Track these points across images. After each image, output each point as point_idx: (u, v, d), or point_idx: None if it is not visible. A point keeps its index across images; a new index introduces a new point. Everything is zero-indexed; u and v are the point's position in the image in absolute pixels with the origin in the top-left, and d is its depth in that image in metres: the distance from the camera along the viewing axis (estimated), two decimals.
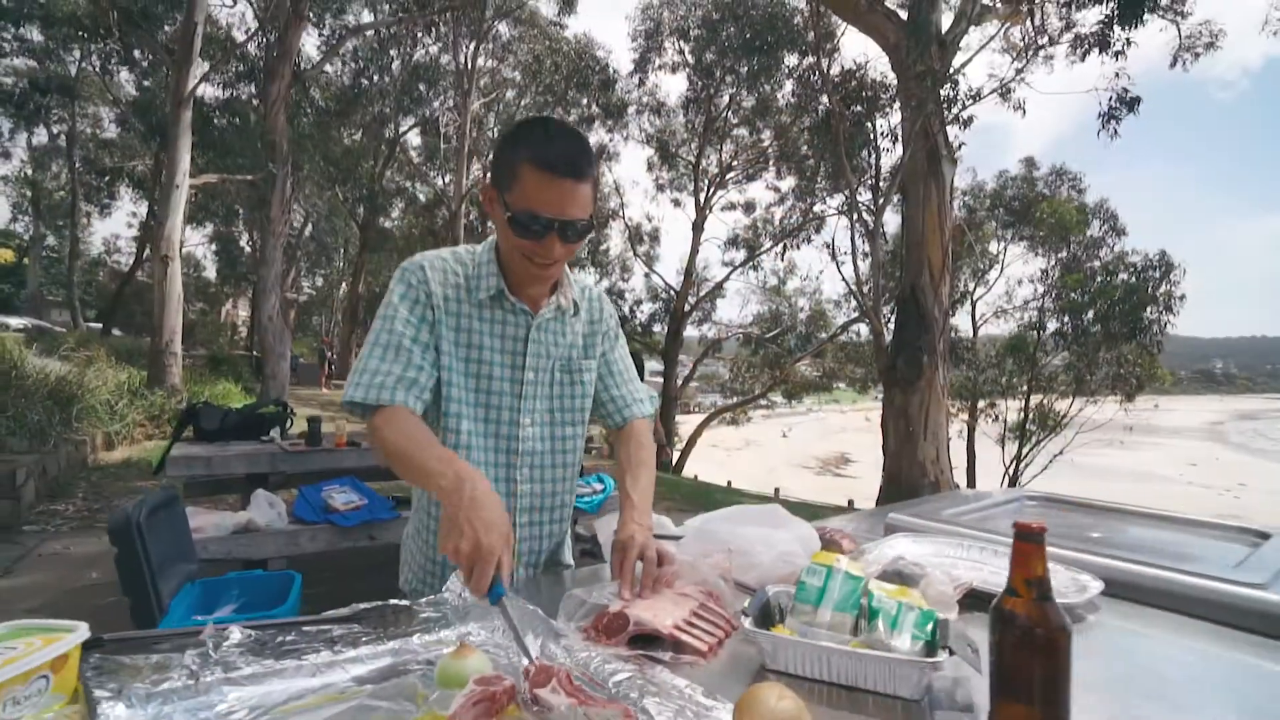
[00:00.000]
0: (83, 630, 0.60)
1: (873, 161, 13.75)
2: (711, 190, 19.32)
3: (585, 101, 17.48)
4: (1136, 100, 8.07)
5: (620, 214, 19.39)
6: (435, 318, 1.03)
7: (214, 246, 25.53)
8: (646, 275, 19.85)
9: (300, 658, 0.71)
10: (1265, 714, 0.68)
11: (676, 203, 19.61)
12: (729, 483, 19.43)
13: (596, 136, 18.45)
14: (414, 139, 20.16)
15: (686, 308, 19.15)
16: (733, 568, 0.89)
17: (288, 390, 8.61)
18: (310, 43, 14.33)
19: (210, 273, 29.81)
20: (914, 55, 9.50)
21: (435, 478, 0.82)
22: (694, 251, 18.89)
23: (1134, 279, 13.98)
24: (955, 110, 10.61)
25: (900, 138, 11.89)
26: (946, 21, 10.20)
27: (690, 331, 20.67)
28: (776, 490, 19.16)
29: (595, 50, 16.86)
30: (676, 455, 19.54)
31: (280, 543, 2.78)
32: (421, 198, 20.47)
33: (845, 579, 0.77)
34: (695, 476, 19.18)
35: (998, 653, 0.55)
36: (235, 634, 0.71)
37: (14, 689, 0.53)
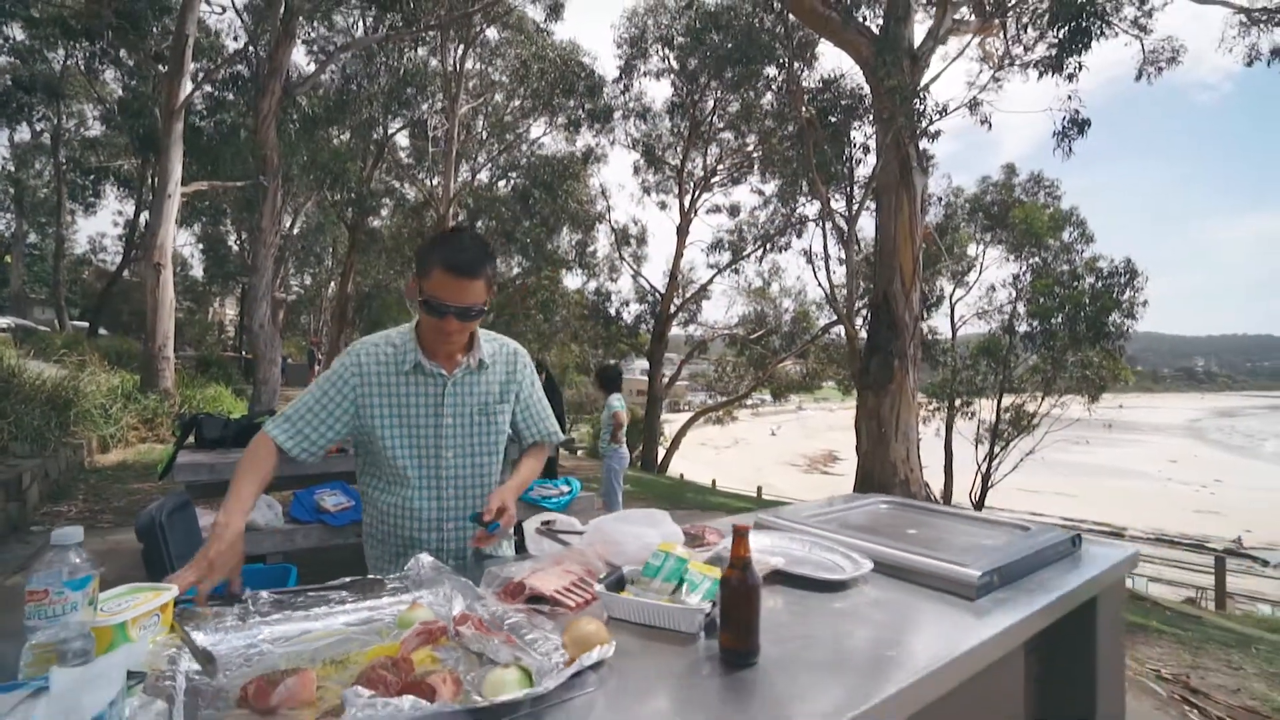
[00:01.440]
0: (174, 589, 0.97)
1: (848, 170, 14.19)
2: (697, 193, 19.70)
3: (572, 105, 17.79)
4: (1087, 122, 8.52)
5: (607, 217, 19.74)
6: (361, 392, 1.43)
7: (201, 246, 25.64)
8: (634, 277, 20.22)
9: (308, 610, 1.09)
10: (943, 637, 1.06)
11: (663, 206, 19.98)
12: (714, 481, 19.82)
13: (583, 140, 18.81)
14: (403, 140, 20.42)
15: (672, 309, 19.53)
16: (609, 553, 1.27)
17: (279, 393, 8.91)
18: (299, 51, 14.63)
19: (197, 271, 29.83)
20: (885, 70, 9.89)
21: (221, 507, 1.24)
22: (679, 254, 19.28)
23: (1100, 285, 14.55)
24: (925, 124, 10.99)
25: (873, 148, 12.33)
26: (919, 37, 10.60)
27: (677, 332, 21.07)
28: (759, 489, 19.59)
29: (581, 56, 17.17)
30: (661, 454, 19.92)
31: (277, 540, 3.14)
32: (410, 198, 20.72)
33: (676, 560, 1.16)
34: (681, 475, 19.57)
35: (722, 601, 0.94)
36: (265, 595, 1.09)
37: (143, 621, 0.90)
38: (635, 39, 17.68)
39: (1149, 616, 4.76)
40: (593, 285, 20.12)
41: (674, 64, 17.67)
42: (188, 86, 8.75)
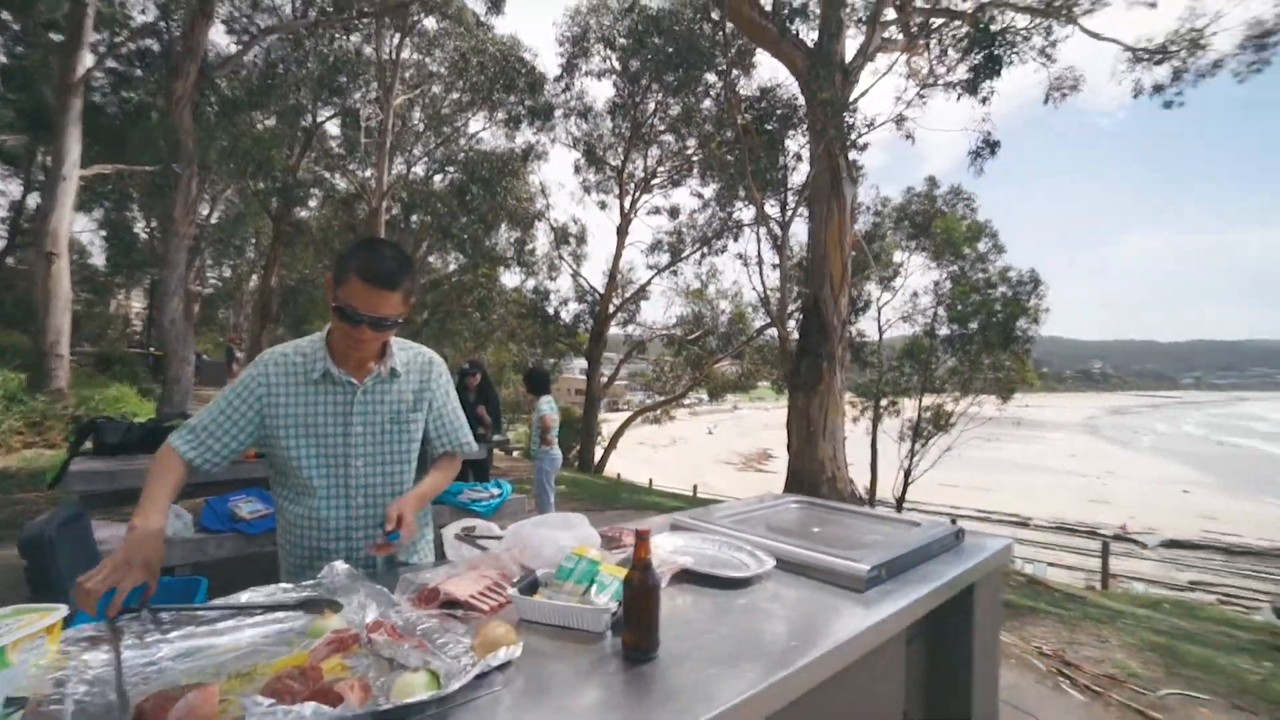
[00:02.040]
0: (62, 610, 0.95)
1: (783, 177, 14.68)
2: (637, 194, 19.83)
3: (513, 100, 17.54)
4: (997, 143, 9.17)
5: (546, 215, 19.58)
6: (267, 402, 1.42)
7: (104, 234, 23.68)
8: (573, 276, 20.15)
9: (213, 624, 1.08)
10: (831, 627, 1.16)
11: (603, 205, 20.00)
12: (650, 481, 20.03)
13: (524, 136, 18.59)
14: (334, 129, 19.57)
15: (611, 309, 19.60)
16: (525, 557, 1.32)
17: (192, 394, 8.37)
18: (219, 30, 13.75)
19: (99, 260, 27.51)
20: (818, 83, 10.28)
21: (135, 510, 1.22)
22: (618, 254, 19.36)
23: (1010, 293, 15.67)
24: (854, 136, 11.46)
25: (806, 158, 12.81)
26: (850, 53, 11.06)
27: (615, 331, 21.15)
28: (695, 488, 19.95)
29: (522, 51, 16.97)
30: (599, 454, 19.96)
31: (187, 550, 2.99)
32: (341, 190, 19.89)
33: (588, 563, 1.21)
34: (618, 475, 19.66)
35: (625, 600, 1.01)
36: (164, 614, 1.07)
37: (24, 644, 0.87)
38: (577, 38, 17.64)
39: (1039, 599, 5.19)
40: (531, 284, 19.94)
41: (616, 65, 17.75)
42: (87, 60, 8.10)
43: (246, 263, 28.70)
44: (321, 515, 1.45)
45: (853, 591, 1.34)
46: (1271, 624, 6.76)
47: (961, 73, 11.29)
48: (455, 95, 18.18)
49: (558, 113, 18.35)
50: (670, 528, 1.75)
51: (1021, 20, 10.55)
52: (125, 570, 1.09)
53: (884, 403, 18.03)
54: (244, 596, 1.19)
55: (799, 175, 14.81)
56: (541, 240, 19.85)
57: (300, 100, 16.07)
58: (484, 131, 18.82)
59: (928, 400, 17.20)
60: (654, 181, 19.83)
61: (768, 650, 1.07)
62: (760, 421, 59.28)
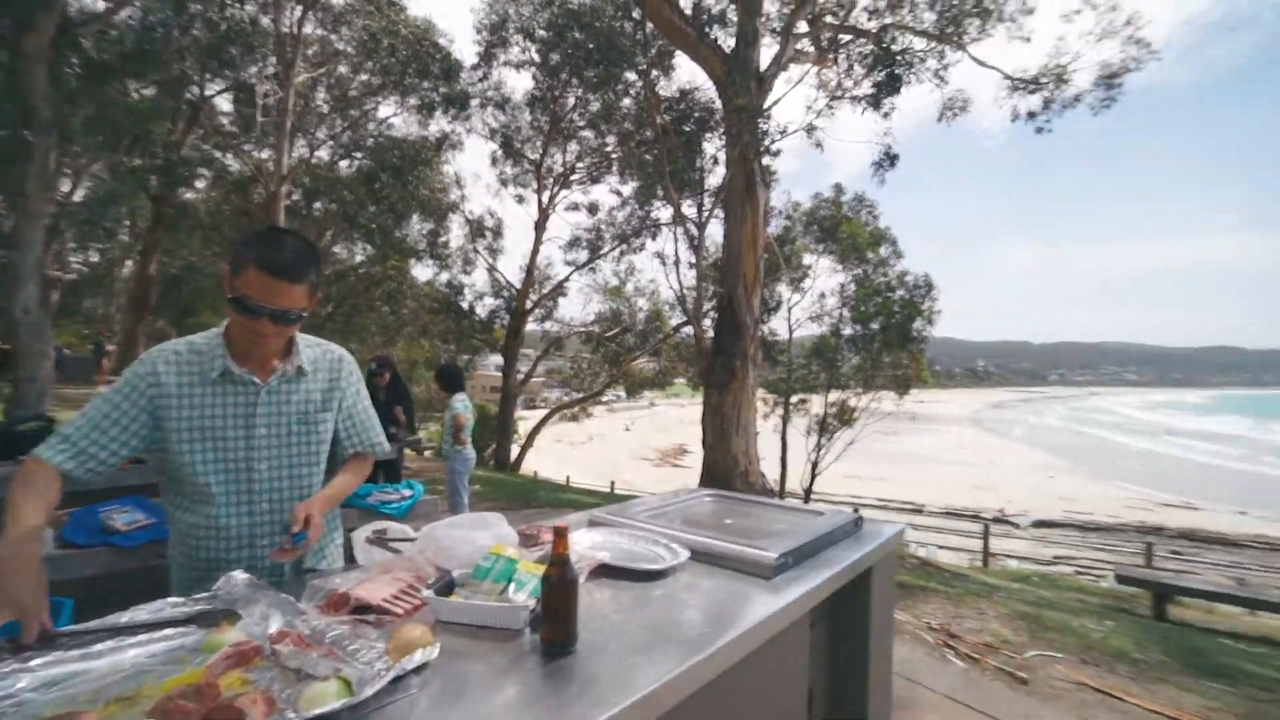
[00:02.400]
0: None
1: (700, 179, 15.02)
2: (556, 189, 19.64)
3: (426, 86, 16.85)
4: (896, 156, 9.84)
5: (461, 207, 19.00)
6: (159, 404, 1.30)
7: None
8: (489, 270, 19.66)
9: (87, 647, 0.99)
10: (740, 613, 1.22)
11: (520, 199, 19.65)
12: (568, 478, 19.95)
13: (438, 125, 17.90)
14: (226, 104, 17.99)
15: (528, 305, 19.31)
16: (440, 558, 1.29)
17: (50, 393, 7.45)
18: None
19: None
20: (734, 89, 10.59)
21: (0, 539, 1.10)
22: (536, 249, 19.10)
23: (907, 295, 16.86)
24: (768, 142, 11.88)
25: (722, 161, 13.19)
26: (765, 61, 11.47)
27: (533, 327, 20.87)
28: (613, 484, 20.07)
29: (437, 36, 16.34)
30: (516, 452, 19.65)
31: (46, 569, 2.68)
32: (235, 171, 18.33)
33: (505, 561, 1.21)
34: (535, 473, 19.44)
35: (544, 595, 1.02)
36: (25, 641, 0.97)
37: None
38: (496, 26, 17.22)
39: (930, 579, 5.64)
40: (445, 277, 19.29)
41: (535, 57, 17.47)
42: None
43: (119, 247, 25.87)
44: (221, 523, 1.35)
45: (761, 579, 1.41)
46: (1114, 589, 7.69)
47: (866, 88, 11.99)
48: (364, 77, 17.25)
49: (474, 102, 17.84)
50: (588, 524, 1.77)
51: (919, 43, 11.34)
52: (26, 614, 0.97)
53: (793, 399, 18.89)
54: (124, 617, 1.10)
55: (715, 178, 15.19)
56: (456, 233, 19.24)
57: (185, 70, 14.67)
58: (395, 117, 17.99)
59: (833, 396, 18.18)
60: (573, 177, 19.71)
61: (683, 638, 1.11)
62: (677, 418, 60.42)
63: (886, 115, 9.95)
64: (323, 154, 18.28)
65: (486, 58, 17.53)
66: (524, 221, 19.76)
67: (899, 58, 10.38)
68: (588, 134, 19.09)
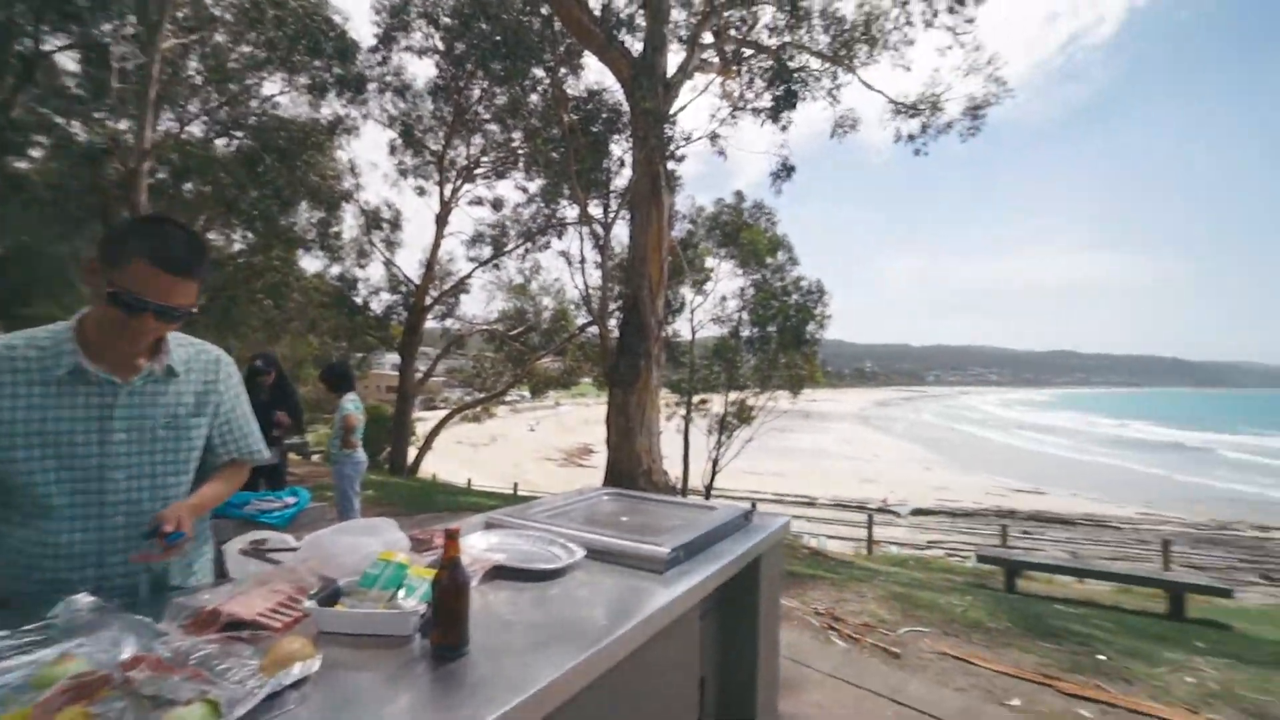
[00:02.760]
0: None
1: (606, 179, 15.11)
2: (459, 183, 19.01)
3: (318, 65, 15.73)
4: (793, 168, 10.41)
5: (356, 196, 17.93)
6: None
7: None
8: (386, 264, 18.69)
9: None
10: (633, 607, 1.26)
11: (421, 191, 18.83)
12: (469, 481, 19.38)
13: (331, 107, 16.76)
14: (70, 64, 15.83)
15: (428, 301, 18.57)
16: (324, 567, 1.24)
17: None
18: None
19: None
20: (641, 93, 10.74)
21: None
22: (437, 244, 18.42)
23: (801, 300, 17.87)
24: (673, 147, 12.15)
25: (629, 163, 13.33)
26: (672, 68, 11.72)
27: (433, 325, 20.08)
28: (516, 486, 19.73)
29: (330, 12, 15.30)
30: (414, 455, 18.83)
31: None
32: (83, 141, 16.17)
33: (395, 567, 1.18)
34: (434, 476, 18.73)
35: (434, 599, 1.01)
36: None
37: None
38: (397, 8, 16.38)
39: (818, 567, 6.03)
40: (336, 270, 18.12)
41: (439, 44, 16.82)
42: None
43: None
44: (63, 540, 1.21)
45: (655, 573, 1.47)
46: (976, 568, 8.56)
47: (766, 101, 12.61)
48: (246, 49, 15.82)
49: (371, 86, 16.89)
50: (484, 526, 1.75)
51: (815, 63, 12.06)
52: None
53: (695, 399, 19.46)
54: None
55: (622, 179, 15.32)
56: (350, 223, 18.13)
57: (15, 19, 12.79)
58: (282, 96, 16.64)
59: (733, 396, 18.90)
60: (477, 171, 19.16)
61: (577, 634, 1.13)
62: (582, 418, 60.33)
63: (784, 128, 10.51)
64: (195, 130, 16.58)
65: (386, 40, 16.64)
66: (425, 215, 18.96)
67: (796, 75, 10.99)
68: (493, 128, 18.62)
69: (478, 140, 18.85)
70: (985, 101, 10.75)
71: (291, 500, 3.47)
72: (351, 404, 5.08)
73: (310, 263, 17.89)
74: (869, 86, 12.28)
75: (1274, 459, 45.40)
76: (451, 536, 1.02)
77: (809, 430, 60.47)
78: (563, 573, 1.43)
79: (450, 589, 1.00)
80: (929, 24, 10.88)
